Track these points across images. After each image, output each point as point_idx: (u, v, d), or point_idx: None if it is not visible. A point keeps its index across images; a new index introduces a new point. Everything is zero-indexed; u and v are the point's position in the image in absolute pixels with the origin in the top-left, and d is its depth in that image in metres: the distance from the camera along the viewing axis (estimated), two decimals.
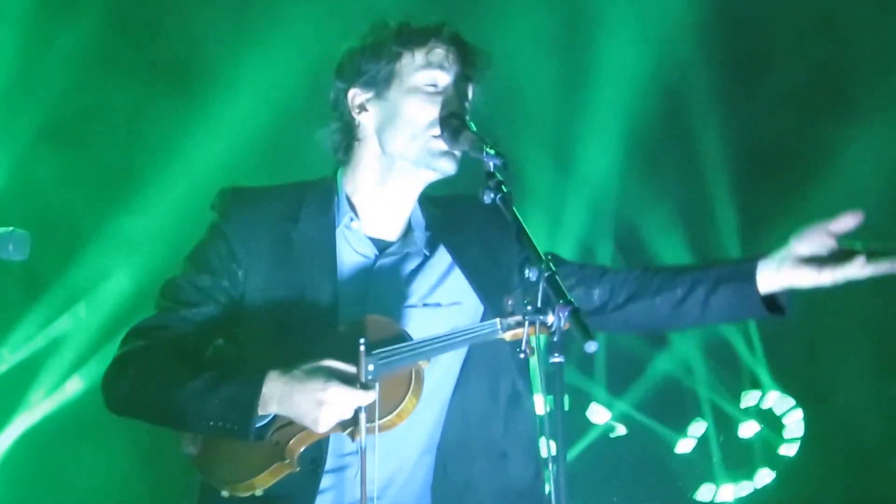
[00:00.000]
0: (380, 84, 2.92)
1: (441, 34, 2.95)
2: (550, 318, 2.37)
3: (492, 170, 2.65)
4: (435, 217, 3.03)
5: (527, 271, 2.52)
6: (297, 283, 2.87)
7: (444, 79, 2.91)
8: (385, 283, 2.91)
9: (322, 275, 2.88)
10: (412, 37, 2.94)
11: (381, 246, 2.95)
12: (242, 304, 2.89)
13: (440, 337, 2.71)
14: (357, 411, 2.62)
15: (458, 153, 2.88)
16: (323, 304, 2.85)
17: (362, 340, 2.62)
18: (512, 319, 2.67)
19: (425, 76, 2.90)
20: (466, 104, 2.95)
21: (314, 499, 2.80)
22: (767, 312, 2.82)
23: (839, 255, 2.71)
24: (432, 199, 3.04)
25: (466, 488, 2.85)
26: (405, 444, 2.85)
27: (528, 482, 2.91)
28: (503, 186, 2.61)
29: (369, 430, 2.62)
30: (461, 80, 2.94)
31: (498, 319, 2.69)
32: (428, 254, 2.98)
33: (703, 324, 2.99)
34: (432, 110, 2.88)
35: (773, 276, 2.78)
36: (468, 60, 2.96)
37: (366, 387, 2.61)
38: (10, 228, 2.59)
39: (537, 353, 2.48)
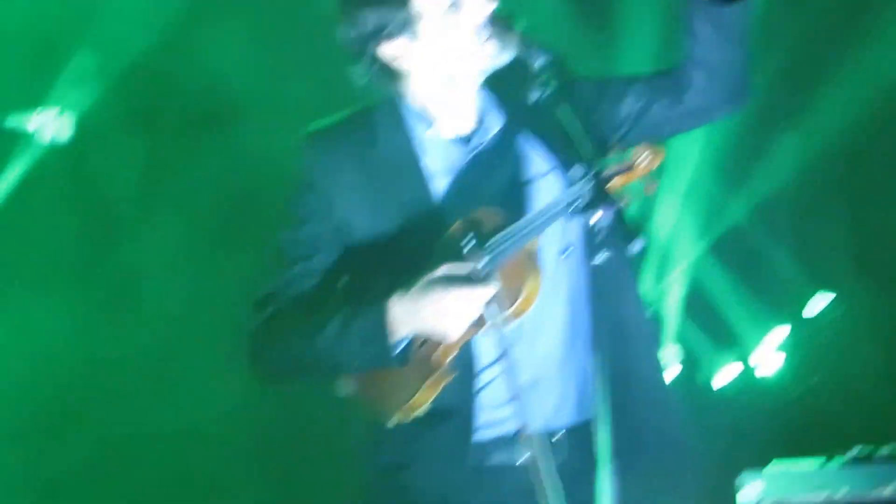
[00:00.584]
0: (403, 29, 2.85)
1: None
2: (595, 218, 2.42)
3: (537, 67, 2.65)
4: (504, 97, 2.98)
5: (574, 169, 2.57)
6: (393, 205, 2.89)
7: None
8: (477, 177, 2.92)
9: (415, 188, 2.90)
10: None
11: (461, 142, 2.95)
12: (351, 241, 2.92)
13: (539, 213, 2.72)
14: (484, 308, 2.66)
15: (507, 53, 2.84)
16: (425, 215, 2.87)
17: (470, 235, 2.66)
18: (610, 171, 2.65)
19: (442, 2, 2.82)
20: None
21: (473, 401, 2.83)
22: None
23: None
24: (496, 77, 2.95)
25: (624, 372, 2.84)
26: (544, 336, 2.87)
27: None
28: (549, 83, 2.61)
29: (502, 322, 2.65)
30: None
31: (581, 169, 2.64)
32: (505, 135, 2.96)
33: (710, 49, 2.84)
34: (466, 23, 2.83)
35: None
36: None
37: (484, 282, 2.65)
38: None
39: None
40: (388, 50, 2.88)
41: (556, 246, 2.83)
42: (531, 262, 2.71)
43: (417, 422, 2.78)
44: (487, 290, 2.64)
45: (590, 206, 2.44)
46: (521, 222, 2.71)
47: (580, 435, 2.85)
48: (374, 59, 2.91)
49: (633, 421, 2.82)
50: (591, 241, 2.46)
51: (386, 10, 2.84)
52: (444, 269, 2.69)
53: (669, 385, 3.01)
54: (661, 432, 2.89)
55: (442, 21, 2.84)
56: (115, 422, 5.94)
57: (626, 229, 2.35)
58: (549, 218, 2.70)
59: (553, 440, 2.81)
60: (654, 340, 3.04)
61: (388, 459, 2.87)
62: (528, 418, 2.68)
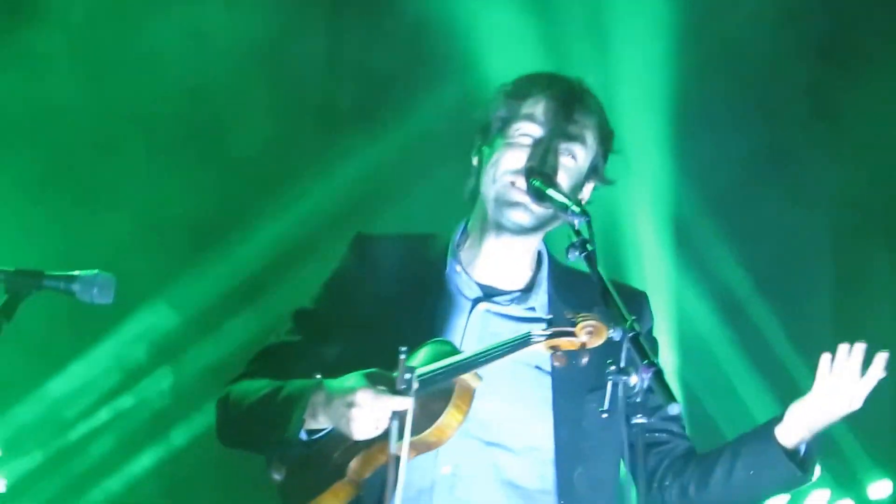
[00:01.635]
0: (490, 132, 3.01)
1: (546, 83, 3.00)
2: (634, 379, 2.39)
3: (577, 227, 2.67)
4: (559, 282, 3.06)
5: (611, 331, 2.56)
6: (397, 321, 2.93)
7: (537, 130, 2.94)
8: (482, 329, 2.96)
9: (422, 312, 2.97)
10: (517, 87, 3.02)
11: (488, 291, 3.01)
12: (347, 337, 2.97)
13: (481, 352, 2.75)
14: (392, 420, 2.64)
15: (536, 209, 2.90)
16: (419, 337, 2.88)
17: (403, 349, 2.67)
18: (551, 330, 2.72)
19: (520, 126, 2.95)
20: (562, 159, 2.94)
21: None
22: (797, 469, 2.85)
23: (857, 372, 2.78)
24: (567, 271, 3.05)
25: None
26: (495, 496, 2.87)
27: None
28: (588, 245, 2.63)
29: (413, 446, 2.63)
30: (558, 135, 2.94)
31: (531, 331, 2.73)
32: (534, 311, 3.01)
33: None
34: (517, 158, 2.92)
35: (801, 420, 2.83)
36: (574, 117, 2.96)
37: (399, 393, 2.65)
38: (95, 271, 2.66)
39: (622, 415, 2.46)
40: (475, 146, 3.06)
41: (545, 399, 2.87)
42: (458, 396, 2.69)
43: None
44: (397, 402, 2.63)
45: (629, 368, 2.42)
46: (464, 356, 2.74)
47: None
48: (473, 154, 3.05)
49: None
50: (627, 402, 2.41)
51: (495, 106, 3.04)
52: (373, 371, 2.72)
53: None
54: None
55: (508, 138, 2.96)
56: None
57: (665, 391, 2.34)
58: (487, 358, 2.72)
59: None
60: None
61: None
62: None
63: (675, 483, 2.98)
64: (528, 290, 3.03)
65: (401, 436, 2.61)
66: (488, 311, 2.99)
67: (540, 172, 2.88)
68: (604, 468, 2.96)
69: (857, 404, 2.79)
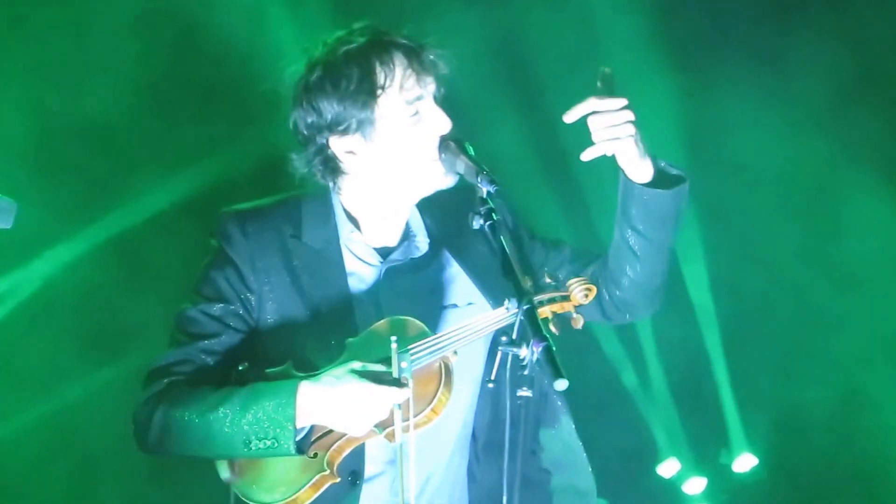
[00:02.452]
0: (362, 129, 2.85)
1: (404, 53, 2.85)
2: (524, 352, 2.40)
3: (484, 196, 2.66)
4: (436, 220, 3.03)
5: (507, 302, 2.57)
6: (310, 298, 2.89)
7: (423, 105, 2.87)
8: (395, 288, 2.93)
9: (333, 286, 2.90)
10: (374, 73, 2.83)
11: (384, 253, 2.97)
12: (259, 326, 2.90)
13: (462, 327, 2.75)
14: (394, 408, 2.64)
15: (450, 177, 2.89)
16: (338, 314, 2.87)
17: (394, 338, 2.64)
18: (535, 299, 2.68)
19: (407, 110, 2.85)
20: (450, 116, 2.90)
21: None
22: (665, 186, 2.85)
23: None
24: (431, 200, 2.99)
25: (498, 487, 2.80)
26: (437, 445, 2.88)
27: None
28: (493, 214, 2.62)
29: (406, 429, 2.63)
30: (437, 93, 2.90)
31: (507, 304, 2.68)
32: (432, 257, 3.00)
33: (649, 241, 2.94)
34: (423, 136, 2.86)
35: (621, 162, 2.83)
36: (434, 67, 2.89)
37: (399, 384, 2.63)
38: None
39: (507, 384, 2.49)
40: (340, 144, 2.89)
41: (479, 373, 2.85)
42: (446, 375, 2.71)
43: None
44: (402, 392, 2.63)
45: (521, 340, 2.44)
46: (442, 335, 2.73)
47: None
48: (322, 150, 2.91)
49: None
50: (517, 373, 2.42)
51: (349, 105, 2.84)
52: (358, 364, 2.67)
53: None
54: None
55: (400, 130, 2.86)
56: None
57: (553, 366, 2.34)
58: (472, 334, 2.73)
59: None
60: (579, 474, 3.03)
61: None
62: None
63: (611, 281, 2.99)
64: (411, 236, 3.00)
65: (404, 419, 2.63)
66: (393, 272, 2.96)
67: (450, 139, 2.86)
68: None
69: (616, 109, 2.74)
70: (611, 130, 2.75)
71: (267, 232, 2.93)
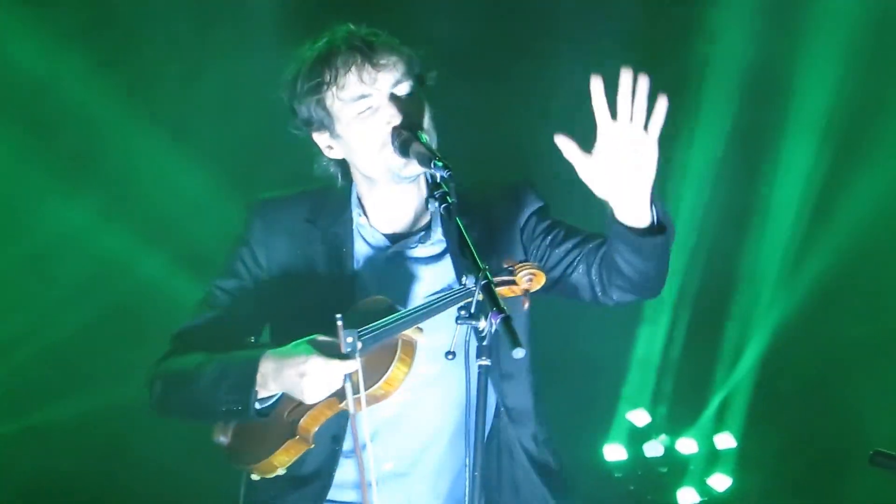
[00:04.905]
0: (326, 126, 3.09)
1: (342, 55, 3.00)
2: (483, 324, 2.53)
3: (438, 181, 2.79)
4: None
5: (464, 278, 2.71)
6: (317, 277, 3.08)
7: (376, 97, 3.02)
8: (397, 274, 3.10)
9: (339, 266, 3.10)
10: (320, 78, 3.02)
11: (394, 238, 3.14)
12: (269, 303, 3.11)
13: (420, 306, 2.88)
14: (345, 380, 2.76)
15: (413, 165, 2.99)
16: (340, 293, 3.04)
17: (339, 315, 2.76)
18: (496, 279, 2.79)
19: (355, 107, 3.02)
20: (405, 106, 3.02)
21: (333, 475, 2.99)
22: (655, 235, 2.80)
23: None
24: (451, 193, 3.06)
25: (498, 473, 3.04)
26: (430, 416, 3.04)
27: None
28: (448, 197, 2.75)
29: (358, 400, 2.77)
30: (392, 87, 3.03)
31: (465, 280, 2.77)
32: (439, 249, 3.15)
33: (632, 273, 2.95)
34: (378, 131, 3.02)
35: (614, 194, 2.72)
36: (389, 64, 3.02)
37: (344, 356, 2.75)
38: None
39: (465, 355, 2.64)
40: (320, 140, 3.13)
41: (443, 347, 2.96)
42: (402, 351, 2.84)
43: (278, 480, 2.93)
44: (348, 364, 2.75)
45: (479, 313, 2.56)
46: (402, 313, 2.87)
47: None
48: (315, 146, 3.15)
49: None
50: (478, 345, 2.54)
51: (307, 104, 3.06)
52: (316, 337, 2.83)
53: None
54: None
55: (352, 125, 3.04)
56: None
57: (512, 337, 2.43)
58: (427, 311, 2.86)
59: None
60: (541, 442, 3.17)
61: None
62: None
63: (603, 281, 3.04)
64: (428, 227, 3.16)
65: (355, 391, 2.76)
66: (398, 256, 3.12)
67: (402, 128, 2.99)
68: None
69: (650, 161, 2.65)
70: (635, 162, 2.66)
71: (284, 217, 3.18)
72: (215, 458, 3.10)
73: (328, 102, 3.04)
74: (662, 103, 2.61)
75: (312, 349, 2.79)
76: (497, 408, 3.09)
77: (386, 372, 2.82)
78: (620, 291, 3.02)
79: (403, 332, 2.85)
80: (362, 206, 3.18)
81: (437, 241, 3.15)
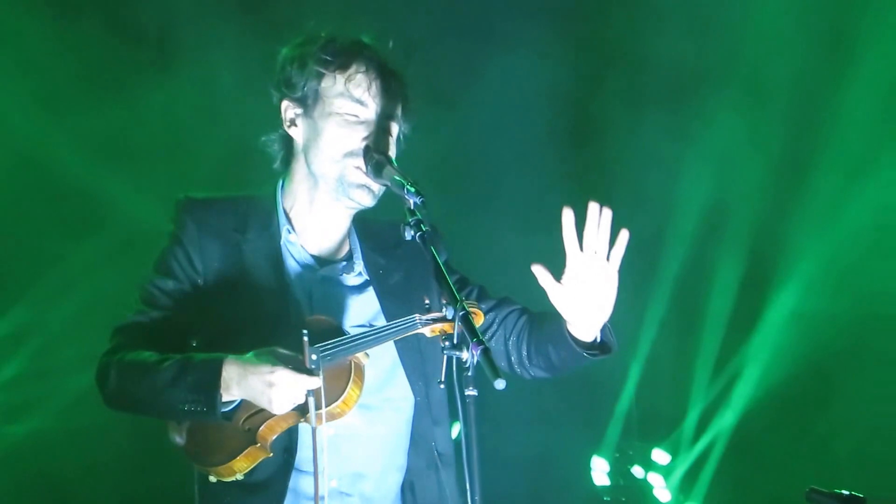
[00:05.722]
0: (306, 101, 3.07)
1: (363, 57, 3.05)
2: (465, 355, 2.59)
3: (412, 207, 2.82)
4: (369, 243, 3.23)
5: (444, 309, 2.76)
6: (250, 288, 3.10)
7: (365, 112, 3.05)
8: (326, 296, 3.15)
9: (272, 281, 3.12)
10: (334, 57, 3.05)
11: (320, 261, 3.18)
12: (205, 305, 3.12)
13: (371, 331, 2.95)
14: (308, 395, 2.84)
15: (376, 188, 3.06)
16: (275, 305, 3.08)
17: (305, 332, 2.85)
18: (429, 316, 2.94)
19: (346, 105, 3.04)
20: (390, 138, 3.09)
21: (287, 485, 3.04)
22: (598, 354, 3.05)
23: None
24: (370, 224, 3.22)
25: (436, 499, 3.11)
26: (365, 447, 3.11)
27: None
28: (422, 225, 2.79)
29: (319, 415, 2.86)
30: (384, 117, 3.07)
31: (417, 315, 2.94)
32: (360, 278, 3.21)
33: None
34: (353, 140, 3.05)
35: (575, 317, 2.96)
36: (393, 94, 3.07)
37: (311, 373, 2.84)
38: None
39: (455, 385, 2.68)
40: (289, 108, 3.12)
41: (375, 379, 3.06)
42: (355, 373, 2.94)
43: (235, 485, 3.00)
44: (313, 381, 2.84)
45: (461, 344, 2.62)
46: (354, 335, 2.95)
47: None
48: (279, 114, 3.13)
49: None
50: (460, 375, 2.61)
51: (305, 72, 3.07)
52: (280, 349, 2.90)
53: None
54: None
55: (332, 119, 3.05)
56: None
57: (492, 368, 2.50)
58: (377, 337, 2.94)
59: None
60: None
61: None
62: None
63: (522, 351, 3.20)
64: (350, 257, 3.21)
65: (318, 407, 2.85)
66: (326, 280, 3.17)
67: (378, 152, 3.03)
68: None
69: (611, 287, 2.90)
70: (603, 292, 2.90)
71: (215, 223, 3.16)
72: (170, 459, 3.15)
73: (325, 82, 3.04)
74: (624, 236, 2.84)
75: (277, 361, 2.85)
76: (431, 453, 3.18)
77: (343, 392, 2.91)
78: (541, 372, 3.19)
79: (355, 356, 2.94)
80: (290, 223, 3.18)
81: (359, 273, 3.20)
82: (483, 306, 3.19)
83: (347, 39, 3.10)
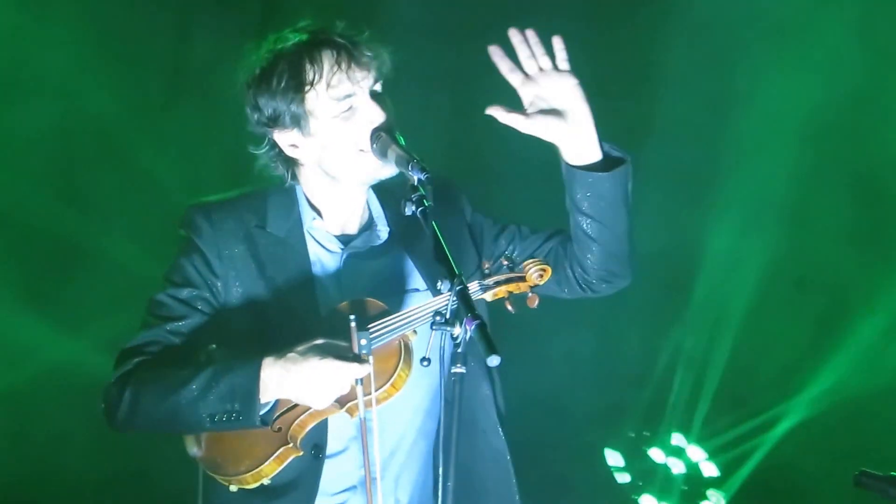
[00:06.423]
0: (297, 123, 2.99)
1: (327, 53, 2.96)
2: (457, 330, 2.49)
3: (415, 183, 2.76)
4: (394, 211, 3.12)
5: (440, 284, 2.66)
6: (274, 283, 3.00)
7: (357, 100, 2.98)
8: (355, 273, 3.05)
9: (297, 271, 3.02)
10: (304, 72, 2.95)
11: (345, 240, 3.10)
12: (226, 310, 3.01)
13: (419, 308, 2.85)
14: (357, 383, 2.73)
15: (385, 167, 2.99)
16: (302, 297, 2.98)
17: (353, 317, 2.73)
18: (490, 280, 2.89)
19: (338, 106, 2.97)
20: (385, 100, 3.01)
21: (318, 482, 2.92)
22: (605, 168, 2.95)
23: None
24: (390, 190, 3.10)
25: (468, 471, 2.93)
26: (400, 421, 3.01)
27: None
28: (425, 200, 2.71)
29: (367, 403, 2.73)
30: (374, 86, 3.01)
31: (477, 282, 2.88)
32: (390, 245, 3.13)
33: (603, 226, 3.03)
34: (356, 130, 2.98)
35: (558, 135, 2.92)
36: (371, 62, 2.99)
37: (359, 360, 2.72)
38: None
39: (440, 362, 2.60)
40: (283, 138, 3.03)
41: (419, 353, 2.92)
42: (405, 353, 2.82)
43: (259, 491, 2.85)
44: (361, 368, 2.72)
45: (454, 319, 2.52)
46: (401, 314, 2.84)
47: None
48: (272, 145, 3.06)
49: None
50: (452, 351, 2.51)
51: (281, 101, 2.97)
52: (321, 340, 2.77)
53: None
54: None
55: (331, 125, 2.98)
56: None
57: (487, 343, 2.40)
58: (426, 315, 2.82)
59: None
60: (503, 453, 3.13)
61: None
62: None
63: (575, 261, 3.10)
64: (370, 224, 3.14)
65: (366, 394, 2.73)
66: (354, 257, 3.08)
67: (381, 130, 2.96)
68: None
69: (577, 92, 2.89)
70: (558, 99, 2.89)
71: (232, 222, 3.06)
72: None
73: (309, 100, 2.96)
74: (558, 41, 2.91)
75: (322, 353, 2.73)
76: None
77: (392, 374, 2.79)
78: (595, 271, 3.08)
79: (404, 334, 2.83)
80: (314, 209, 3.11)
81: (386, 237, 3.13)
82: (537, 238, 3.20)
83: (300, 45, 2.99)
